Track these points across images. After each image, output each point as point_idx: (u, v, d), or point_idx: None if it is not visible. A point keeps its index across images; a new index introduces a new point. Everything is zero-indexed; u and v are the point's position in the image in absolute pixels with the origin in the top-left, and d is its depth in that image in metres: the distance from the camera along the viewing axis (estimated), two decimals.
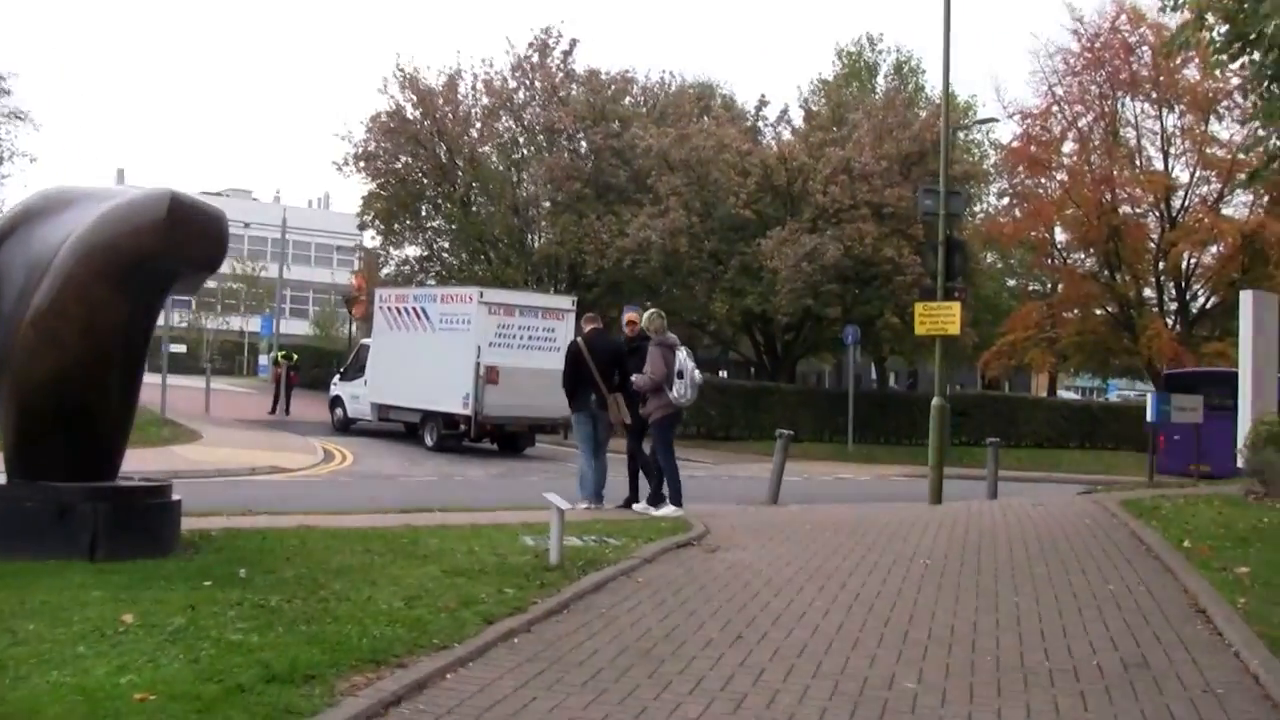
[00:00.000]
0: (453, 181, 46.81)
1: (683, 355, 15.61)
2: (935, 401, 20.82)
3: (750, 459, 36.15)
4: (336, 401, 36.83)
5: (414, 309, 33.62)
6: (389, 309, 34.63)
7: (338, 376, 37.58)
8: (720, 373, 73.16)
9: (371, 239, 52.94)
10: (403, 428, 34.08)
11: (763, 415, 41.85)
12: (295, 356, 43.17)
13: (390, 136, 46.87)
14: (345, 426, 35.83)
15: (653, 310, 16.58)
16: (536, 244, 47.19)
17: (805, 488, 27.85)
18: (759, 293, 40.54)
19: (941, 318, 20.63)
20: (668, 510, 15.26)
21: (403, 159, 47.30)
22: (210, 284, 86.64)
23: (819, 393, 45.26)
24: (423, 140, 46.49)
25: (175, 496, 10.92)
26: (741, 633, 8.33)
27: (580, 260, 44.84)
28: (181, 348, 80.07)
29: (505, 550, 11.18)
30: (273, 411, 39.87)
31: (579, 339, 17.02)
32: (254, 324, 73.31)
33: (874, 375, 61.28)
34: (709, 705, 6.63)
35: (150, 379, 37.47)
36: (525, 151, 48.27)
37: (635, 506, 15.79)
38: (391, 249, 51.32)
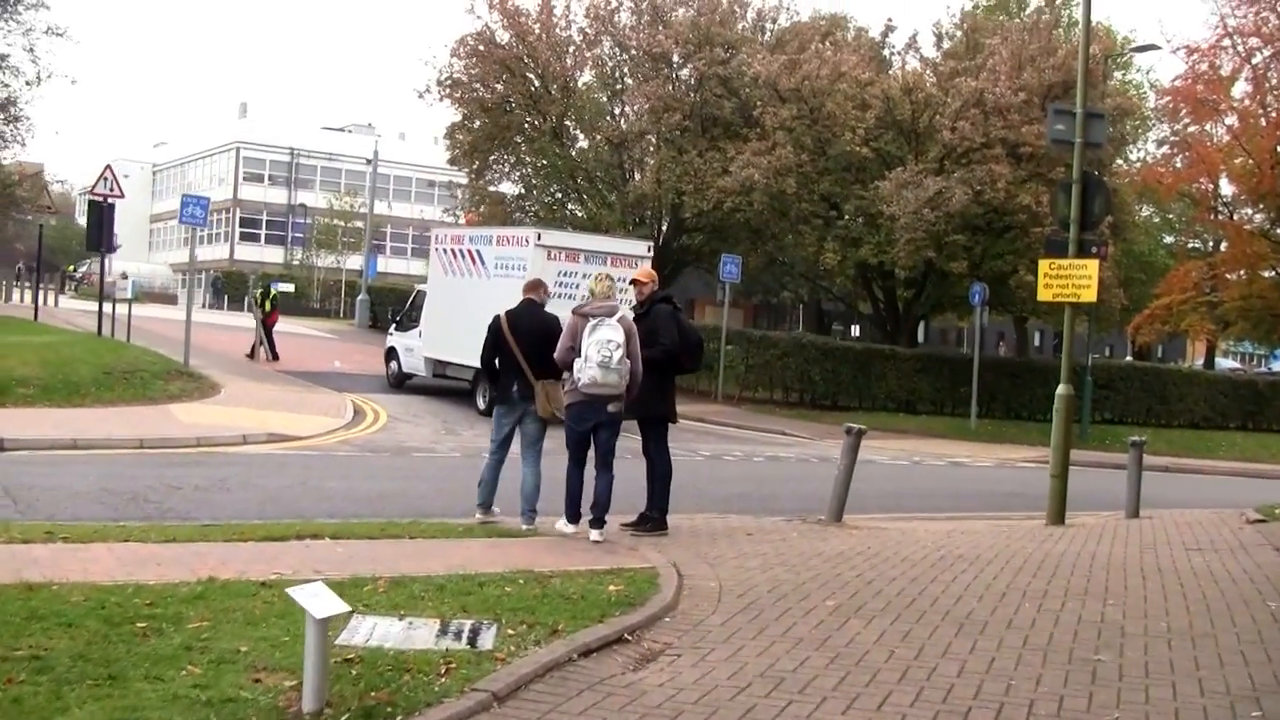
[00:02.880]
0: (544, 112, 42.32)
1: (591, 325, 11.62)
2: (1060, 390, 15.84)
3: None
4: (391, 354, 32.82)
5: (469, 251, 29.51)
6: (444, 251, 30.60)
7: (394, 326, 33.48)
8: (836, 326, 68.38)
9: (464, 175, 48.78)
10: (467, 385, 29.88)
11: (874, 383, 37.01)
12: (275, 292, 38.14)
13: (479, 62, 42.52)
14: (400, 382, 31.84)
15: (602, 272, 13.27)
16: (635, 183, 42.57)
17: (905, 478, 23.13)
18: (876, 242, 35.53)
19: (1074, 280, 15.62)
20: (561, 524, 12.07)
21: (492, 87, 42.92)
22: (272, 214, 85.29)
23: (940, 359, 39.84)
24: (512, 66, 42.03)
25: None
26: None
27: (679, 202, 40.25)
28: (289, 287, 78.25)
29: (252, 665, 6.74)
30: (251, 355, 35.24)
31: (502, 313, 12.86)
32: (354, 263, 69.97)
33: (1015, 338, 55.76)
34: None
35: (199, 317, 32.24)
36: (625, 80, 43.65)
37: (559, 525, 12.14)
38: (488, 185, 47.11)
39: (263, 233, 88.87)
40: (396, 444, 21.76)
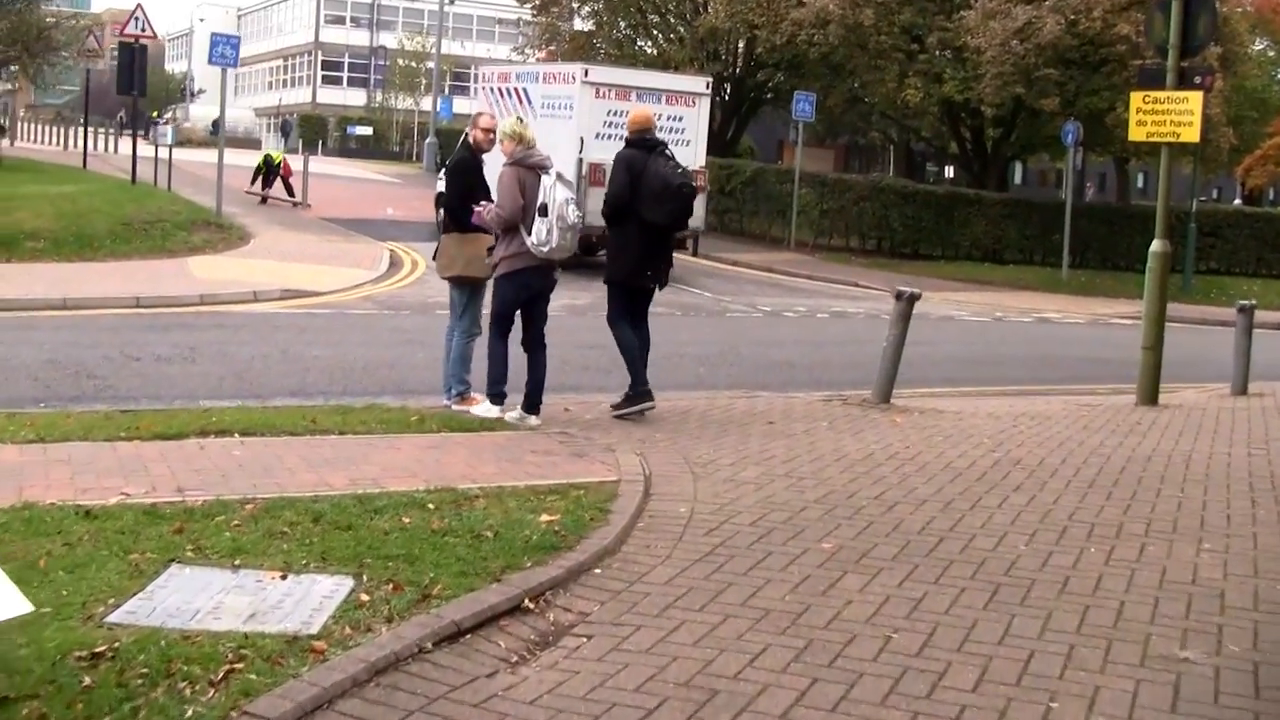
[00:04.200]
0: None
1: (550, 182, 9.83)
2: (1155, 246, 13.33)
3: (936, 285, 29.06)
4: (440, 199, 30.66)
5: (516, 90, 27.30)
6: (492, 90, 28.36)
7: (442, 170, 31.24)
8: (930, 167, 65.06)
9: (533, 12, 46.17)
10: None
11: (957, 230, 34.34)
12: (280, 157, 34.88)
13: None
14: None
15: (514, 117, 11.14)
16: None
17: (982, 340, 20.80)
18: (961, 78, 32.61)
19: (1172, 115, 13.03)
20: (484, 409, 10.27)
21: None
22: (354, 56, 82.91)
23: (1029, 204, 36.67)
24: None
25: None
26: None
27: (752, 36, 37.50)
28: (367, 130, 76.37)
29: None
30: (263, 201, 32.65)
31: (469, 150, 10.78)
32: (425, 105, 67.72)
33: (1116, 181, 52.42)
34: None
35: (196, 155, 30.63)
36: None
37: (517, 416, 10.25)
38: (557, 21, 44.51)
39: (345, 75, 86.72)
40: (422, 300, 20.03)
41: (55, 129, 56.22)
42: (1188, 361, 17.82)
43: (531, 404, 10.16)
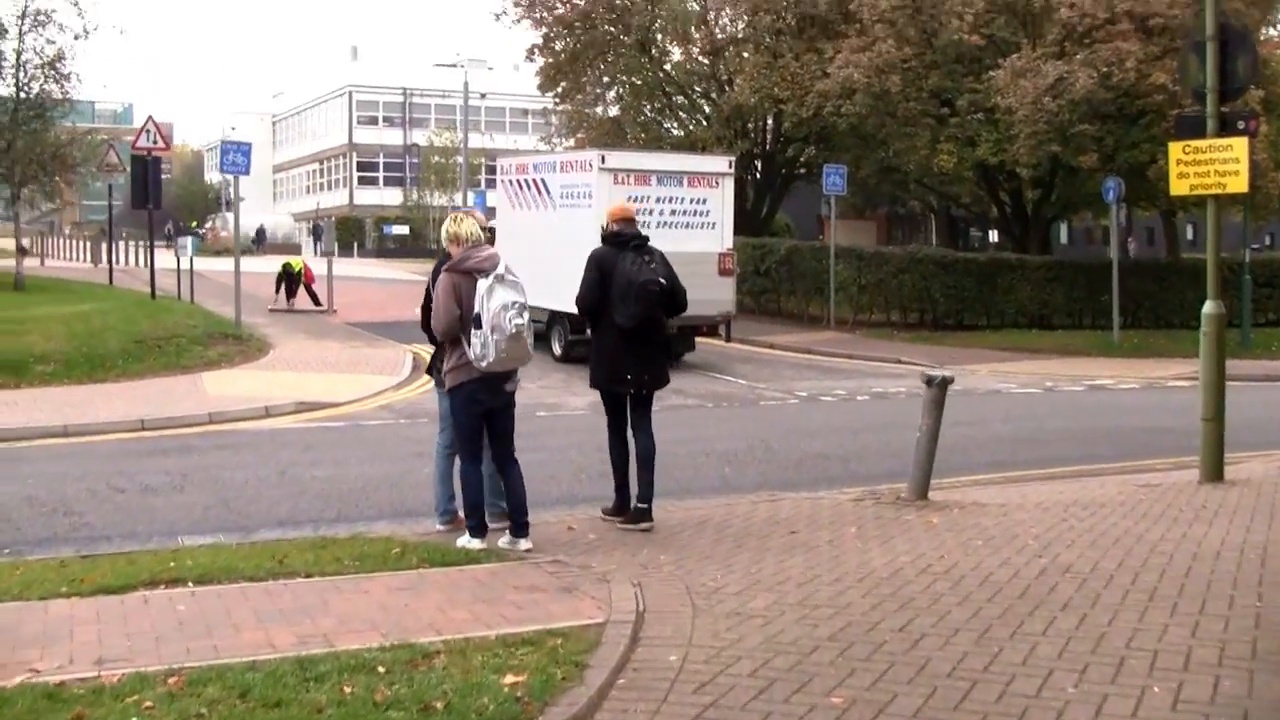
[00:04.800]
0: (628, 24, 38.93)
1: (484, 288, 8.87)
2: (1208, 308, 12.23)
3: (982, 356, 28.06)
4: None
5: (535, 181, 26.62)
6: (510, 182, 27.74)
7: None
8: (974, 232, 63.77)
9: (551, 100, 45.78)
10: (541, 328, 27.00)
11: (1001, 298, 33.18)
12: (300, 265, 34.22)
13: None
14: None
15: (459, 212, 9.80)
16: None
17: (1031, 415, 19.68)
18: (994, 140, 31.65)
19: (1216, 165, 12.00)
20: (466, 541, 9.28)
21: (572, 2, 39.67)
22: (389, 156, 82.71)
23: (1074, 265, 35.33)
24: None
25: None
26: None
27: (778, 111, 36.79)
28: (403, 229, 76.22)
29: None
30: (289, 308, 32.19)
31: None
32: (469, 201, 67.62)
33: (1164, 235, 51.13)
34: None
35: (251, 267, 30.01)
36: None
37: (507, 542, 9.35)
38: (582, 109, 43.98)
39: (380, 175, 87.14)
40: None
41: (88, 245, 56.26)
42: (1252, 425, 16.65)
43: (517, 526, 9.25)
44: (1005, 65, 30.28)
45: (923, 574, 8.01)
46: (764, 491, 12.29)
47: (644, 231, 23.67)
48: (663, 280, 9.76)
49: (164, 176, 35.86)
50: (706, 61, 40.42)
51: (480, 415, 9.26)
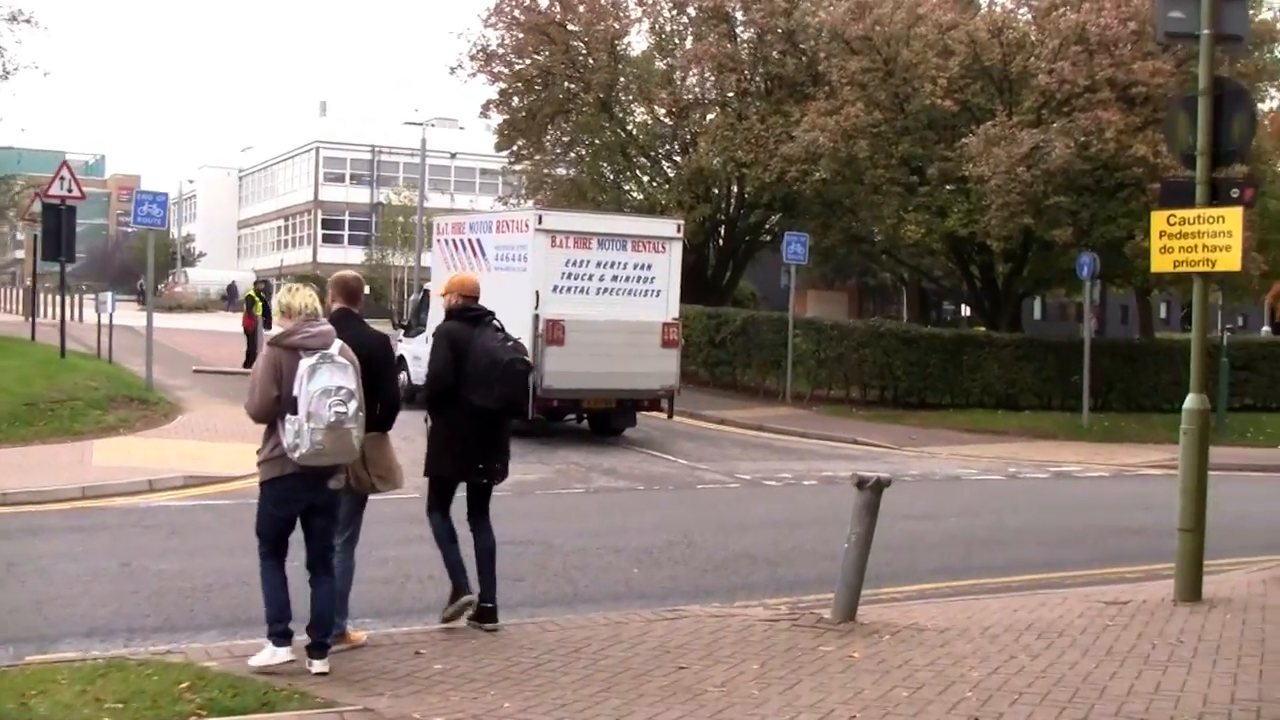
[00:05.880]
0: (588, 81, 37.46)
1: (305, 368, 7.59)
2: (1189, 402, 10.51)
3: (944, 437, 26.48)
4: (399, 363, 28.13)
5: (470, 241, 25.03)
6: (446, 242, 26.09)
7: (402, 331, 28.81)
8: (946, 305, 62.31)
9: (508, 158, 44.29)
10: None
11: (966, 375, 31.48)
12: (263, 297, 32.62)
13: (516, 29, 37.82)
14: (411, 396, 27.16)
15: (295, 284, 8.53)
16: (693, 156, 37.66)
17: (989, 508, 17.97)
18: (965, 210, 30.14)
19: (1205, 239, 10.29)
20: (265, 658, 7.94)
21: (531, 56, 38.22)
22: (355, 214, 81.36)
23: (1044, 344, 33.62)
24: (552, 34, 37.20)
25: None
26: None
27: (741, 175, 35.36)
28: (365, 290, 74.69)
29: None
30: (247, 365, 30.33)
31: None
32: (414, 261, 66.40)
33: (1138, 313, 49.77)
34: None
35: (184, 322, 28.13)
36: (679, 41, 38.83)
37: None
38: (543, 170, 42.51)
39: (345, 233, 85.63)
40: None
41: (33, 296, 54.37)
42: (1230, 525, 14.94)
43: (315, 644, 7.87)
44: (979, 132, 28.80)
45: None
46: (670, 601, 10.63)
47: (585, 297, 22.22)
48: (528, 359, 8.95)
49: (90, 225, 34.17)
50: (670, 122, 39.00)
51: (294, 516, 7.96)
